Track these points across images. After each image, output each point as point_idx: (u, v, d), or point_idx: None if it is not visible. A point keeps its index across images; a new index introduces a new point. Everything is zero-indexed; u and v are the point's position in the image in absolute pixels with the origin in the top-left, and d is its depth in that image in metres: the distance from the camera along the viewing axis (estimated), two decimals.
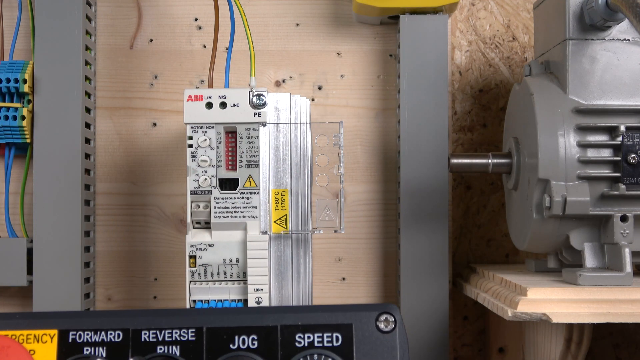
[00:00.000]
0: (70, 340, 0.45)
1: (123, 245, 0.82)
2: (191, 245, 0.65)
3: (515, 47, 0.84)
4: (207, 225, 0.66)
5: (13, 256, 0.76)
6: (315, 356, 0.44)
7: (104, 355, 0.45)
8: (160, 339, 0.45)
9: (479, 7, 0.84)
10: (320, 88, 0.83)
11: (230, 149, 0.66)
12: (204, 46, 0.83)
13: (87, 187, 0.79)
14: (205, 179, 0.65)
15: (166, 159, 0.82)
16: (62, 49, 0.77)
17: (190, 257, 0.65)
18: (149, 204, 0.82)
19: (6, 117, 0.76)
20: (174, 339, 0.45)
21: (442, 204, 0.76)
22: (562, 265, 0.67)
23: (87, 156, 0.79)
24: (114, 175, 0.82)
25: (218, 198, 0.65)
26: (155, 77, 0.83)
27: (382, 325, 0.45)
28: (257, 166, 0.65)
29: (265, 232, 0.65)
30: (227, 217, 0.65)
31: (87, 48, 0.79)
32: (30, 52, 0.80)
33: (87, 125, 0.79)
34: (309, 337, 0.45)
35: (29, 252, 0.76)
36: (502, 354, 0.81)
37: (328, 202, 0.68)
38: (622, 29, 0.64)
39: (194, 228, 0.66)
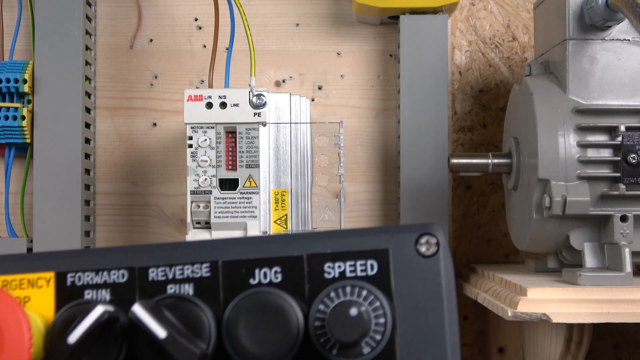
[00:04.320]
0: (68, 284, 0.39)
1: None
2: None
3: (515, 47, 0.84)
4: (207, 225, 0.66)
5: None
6: (348, 288, 0.37)
7: (108, 298, 0.39)
8: (170, 277, 0.39)
9: (479, 7, 0.84)
10: (320, 88, 0.83)
11: (230, 149, 0.66)
12: (204, 46, 0.83)
13: (87, 187, 0.79)
14: (205, 179, 0.65)
15: (166, 159, 0.82)
16: (62, 49, 0.77)
17: None
18: (149, 204, 0.82)
19: (6, 117, 0.76)
20: (185, 276, 0.39)
21: (442, 204, 0.76)
22: (562, 265, 0.67)
23: (87, 156, 0.79)
24: (114, 175, 0.82)
25: (218, 198, 0.65)
26: (155, 77, 0.83)
27: (423, 249, 0.38)
28: (257, 166, 0.65)
29: (265, 232, 0.65)
30: (227, 217, 0.65)
31: (87, 48, 0.79)
32: (30, 52, 0.80)
33: (87, 125, 0.79)
34: (339, 267, 0.38)
35: (29, 252, 0.76)
36: (502, 354, 0.81)
37: (328, 202, 0.68)
38: (622, 29, 0.64)
39: (194, 228, 0.66)
